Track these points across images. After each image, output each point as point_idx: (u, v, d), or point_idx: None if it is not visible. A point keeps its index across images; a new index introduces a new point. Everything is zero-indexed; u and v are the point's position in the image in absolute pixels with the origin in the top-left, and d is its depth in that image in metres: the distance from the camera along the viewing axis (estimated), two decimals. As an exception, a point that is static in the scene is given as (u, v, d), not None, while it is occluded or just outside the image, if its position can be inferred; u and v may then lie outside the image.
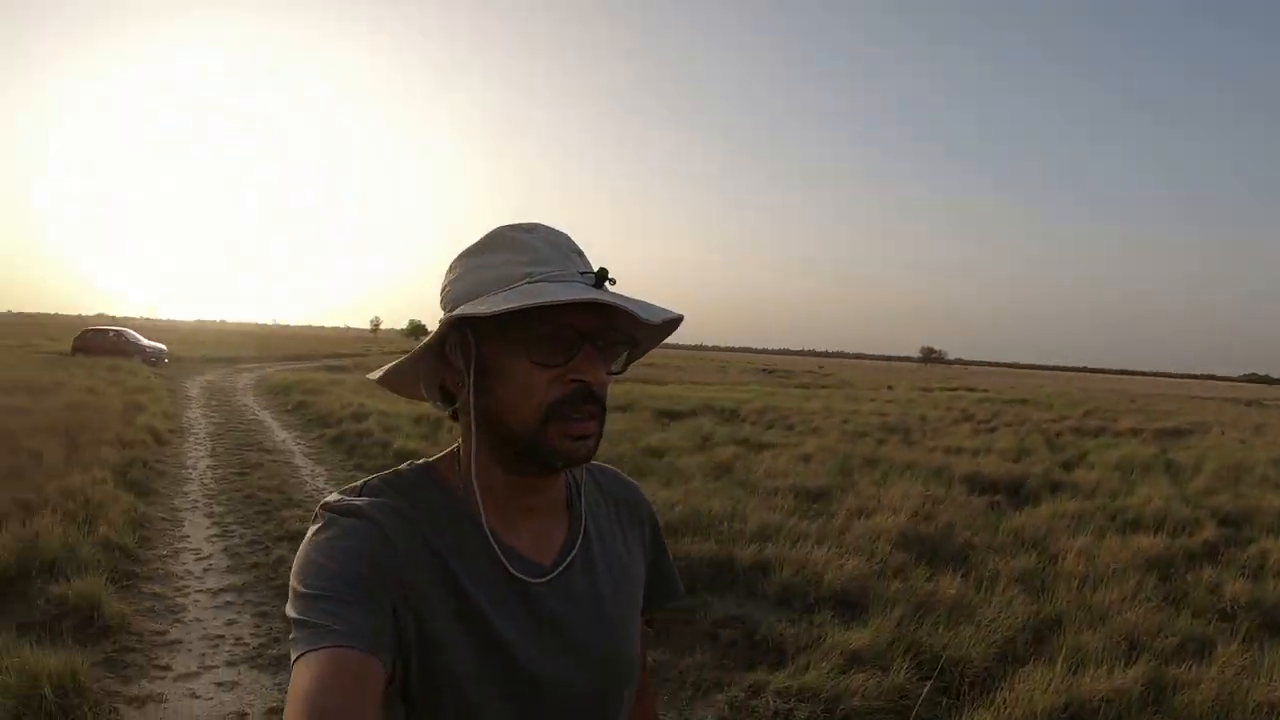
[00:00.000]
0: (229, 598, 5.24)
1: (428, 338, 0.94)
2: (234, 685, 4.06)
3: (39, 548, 5.18)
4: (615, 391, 23.78)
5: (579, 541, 1.00)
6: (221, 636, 4.63)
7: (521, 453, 0.91)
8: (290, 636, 0.78)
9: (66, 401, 13.18)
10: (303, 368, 33.67)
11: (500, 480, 0.94)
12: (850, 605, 5.27)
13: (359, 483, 0.94)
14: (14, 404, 12.03)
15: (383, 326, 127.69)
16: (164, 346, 32.09)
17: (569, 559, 0.98)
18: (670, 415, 17.79)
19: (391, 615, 0.82)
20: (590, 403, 0.89)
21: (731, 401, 22.04)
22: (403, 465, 0.99)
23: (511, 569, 0.92)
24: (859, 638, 4.48)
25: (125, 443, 9.83)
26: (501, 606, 0.91)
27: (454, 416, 0.99)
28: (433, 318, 0.97)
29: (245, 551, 6.25)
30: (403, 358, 0.95)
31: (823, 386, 38.70)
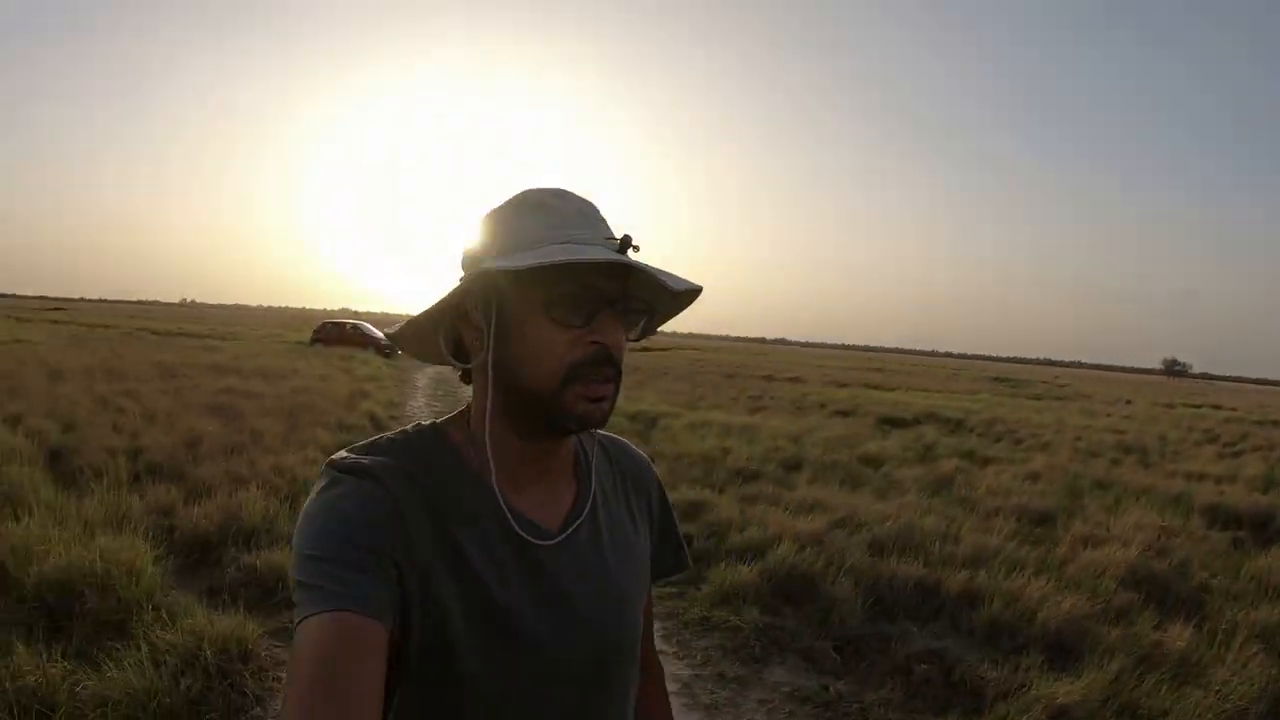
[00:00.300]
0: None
1: (447, 293, 0.91)
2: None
3: (241, 518, 5.51)
4: (838, 396, 23.16)
5: (586, 508, 1.00)
6: (399, 620, 4.69)
7: (537, 413, 0.90)
8: (294, 598, 0.78)
9: (296, 386, 14.38)
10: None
11: (511, 442, 0.94)
12: (1063, 650, 4.62)
13: (368, 441, 0.93)
14: (249, 388, 13.26)
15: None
16: (398, 339, 34.30)
17: (576, 524, 0.97)
18: (892, 423, 17.07)
19: (394, 578, 0.82)
20: (608, 365, 0.89)
21: (959, 411, 20.75)
22: (409, 426, 0.97)
23: (519, 531, 0.92)
24: (1068, 690, 3.88)
25: (344, 427, 10.48)
26: (504, 571, 0.90)
27: (465, 378, 0.98)
28: None
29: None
30: (421, 313, 0.95)
31: (1057, 398, 36.01)
